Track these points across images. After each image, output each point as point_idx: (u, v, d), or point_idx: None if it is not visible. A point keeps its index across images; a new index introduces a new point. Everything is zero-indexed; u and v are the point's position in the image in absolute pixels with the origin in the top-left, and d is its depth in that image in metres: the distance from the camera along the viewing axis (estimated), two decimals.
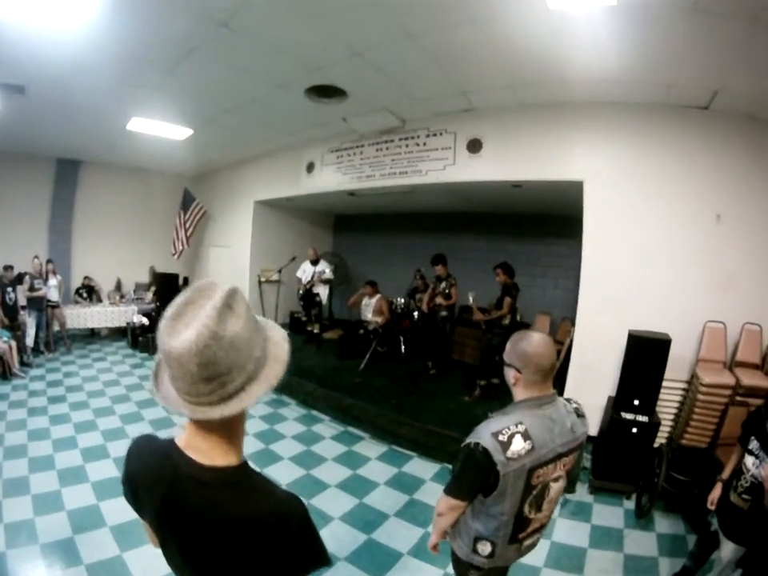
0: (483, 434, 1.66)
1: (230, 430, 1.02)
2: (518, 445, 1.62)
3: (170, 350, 0.90)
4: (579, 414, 1.86)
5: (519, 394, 1.79)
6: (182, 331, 0.89)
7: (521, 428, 1.65)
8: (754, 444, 2.44)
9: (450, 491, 1.78)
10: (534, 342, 1.75)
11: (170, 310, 0.94)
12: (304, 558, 1.03)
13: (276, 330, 1.11)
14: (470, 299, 6.11)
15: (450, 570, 3.09)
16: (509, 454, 1.60)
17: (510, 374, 1.79)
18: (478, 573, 1.88)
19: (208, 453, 1.00)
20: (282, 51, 4.39)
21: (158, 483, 1.04)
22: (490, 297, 6.09)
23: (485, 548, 1.80)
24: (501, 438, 1.62)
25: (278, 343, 1.06)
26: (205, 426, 1.00)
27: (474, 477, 1.69)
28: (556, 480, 1.78)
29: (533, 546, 1.95)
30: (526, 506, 1.74)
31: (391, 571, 3.19)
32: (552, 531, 3.63)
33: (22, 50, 4.45)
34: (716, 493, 2.69)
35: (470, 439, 1.69)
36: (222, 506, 0.98)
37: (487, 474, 1.63)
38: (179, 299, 0.95)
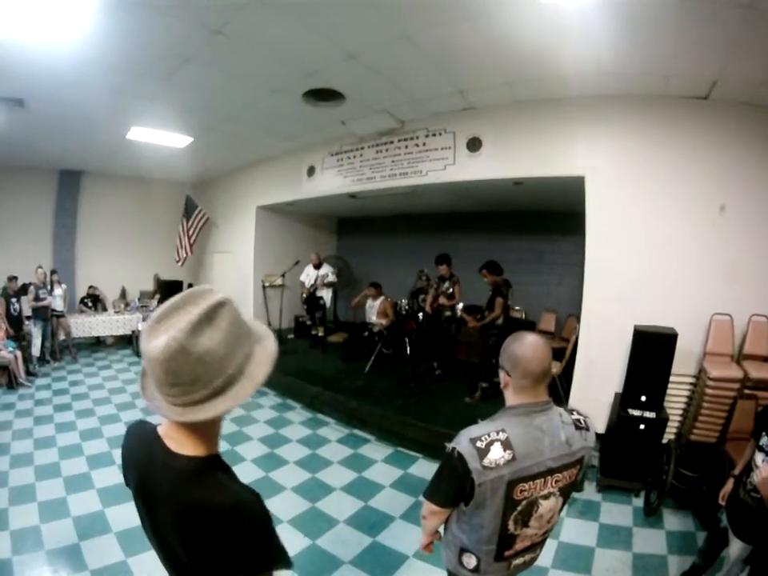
0: (462, 440, 1.57)
1: (200, 427, 1.06)
2: (497, 453, 1.51)
3: (145, 351, 0.97)
4: (579, 427, 1.68)
5: (509, 398, 1.68)
6: (159, 336, 0.95)
7: (501, 436, 1.54)
8: (764, 440, 2.40)
9: (428, 495, 1.72)
10: (525, 344, 1.63)
11: (156, 312, 0.99)
12: (260, 555, 1.05)
13: (265, 346, 1.13)
14: (458, 312, 6.11)
15: None
16: (485, 462, 1.50)
17: (501, 377, 1.70)
18: None
19: (180, 442, 1.07)
20: (277, 56, 4.39)
21: (138, 464, 1.15)
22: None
23: (470, 561, 1.71)
24: (479, 444, 1.53)
25: (260, 363, 1.08)
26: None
27: (449, 483, 1.61)
28: (546, 497, 1.64)
29: (525, 565, 1.82)
30: (510, 522, 1.61)
31: (396, 574, 3.17)
32: (560, 531, 3.60)
33: (19, 64, 4.48)
34: (727, 488, 2.65)
35: (451, 444, 1.61)
36: (184, 493, 1.03)
37: (463, 482, 1.54)
38: (169, 302, 1.00)
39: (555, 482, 1.63)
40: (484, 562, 1.69)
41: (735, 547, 2.50)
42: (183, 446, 1.07)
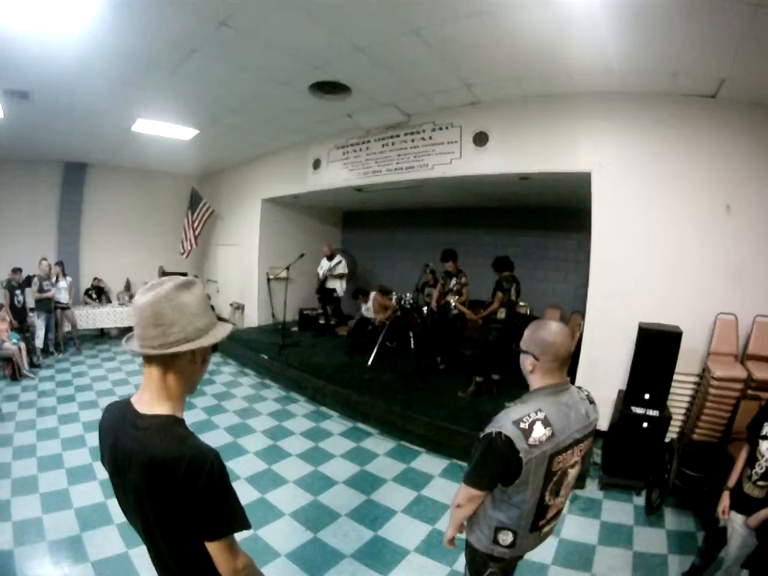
0: (504, 423, 1.67)
1: (167, 384, 1.28)
2: (539, 431, 1.64)
3: (137, 303, 1.23)
4: (591, 401, 1.91)
5: (536, 381, 1.82)
6: (148, 294, 1.23)
7: (540, 415, 1.67)
8: (767, 429, 2.41)
9: (470, 481, 1.78)
10: (553, 330, 1.79)
11: (147, 285, 1.27)
12: (218, 513, 1.19)
13: (226, 326, 1.39)
14: (452, 303, 6.09)
15: (456, 567, 3.09)
16: (531, 441, 1.63)
17: (527, 362, 1.83)
18: (497, 565, 1.88)
19: (148, 403, 1.26)
20: (283, 48, 4.37)
21: (110, 431, 1.32)
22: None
23: (506, 538, 1.80)
24: (522, 425, 1.64)
25: (222, 330, 1.35)
26: (149, 379, 1.28)
27: (495, 465, 1.69)
28: (573, 466, 1.82)
29: (551, 532, 1.98)
30: (547, 494, 1.76)
31: (397, 568, 3.17)
32: (561, 528, 3.60)
33: (24, 56, 4.50)
34: (725, 502, 2.61)
35: (491, 428, 1.69)
36: (149, 446, 1.18)
37: (509, 462, 1.64)
38: (154, 280, 1.28)
39: (579, 451, 1.83)
40: (520, 536, 1.81)
41: (733, 547, 2.50)
42: (151, 406, 1.25)
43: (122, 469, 1.24)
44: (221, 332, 1.34)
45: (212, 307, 1.39)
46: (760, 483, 2.40)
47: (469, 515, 1.88)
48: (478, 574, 1.93)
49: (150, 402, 1.26)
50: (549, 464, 1.69)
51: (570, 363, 1.84)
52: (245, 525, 1.24)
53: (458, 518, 1.91)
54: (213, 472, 1.16)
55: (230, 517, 1.22)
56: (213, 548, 1.22)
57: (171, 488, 1.14)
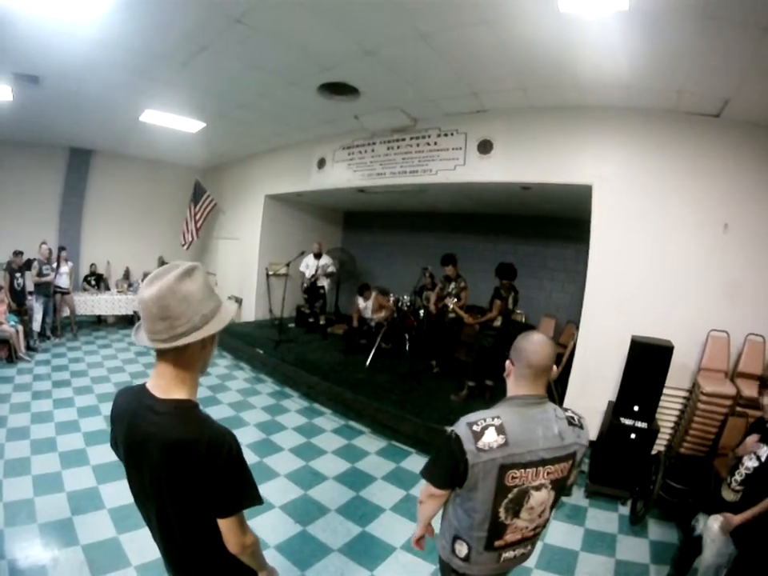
0: (460, 423, 1.69)
1: (181, 372, 1.33)
2: (490, 437, 1.61)
3: (142, 298, 1.25)
4: (572, 423, 1.76)
5: (510, 388, 1.80)
6: (153, 286, 1.24)
7: (496, 421, 1.65)
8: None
9: (424, 474, 1.81)
10: (531, 339, 1.76)
11: (149, 276, 1.29)
12: (235, 489, 1.28)
13: (231, 304, 1.48)
14: (450, 306, 6.13)
15: None
16: (479, 444, 1.60)
17: (506, 365, 1.82)
18: None
19: (164, 388, 1.32)
20: (294, 48, 4.43)
21: (126, 415, 1.36)
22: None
23: (461, 548, 1.79)
24: (474, 428, 1.64)
25: (228, 311, 1.40)
26: (163, 368, 1.32)
27: (444, 463, 1.71)
28: (537, 488, 1.70)
29: (516, 561, 1.87)
30: (501, 510, 1.69)
31: (383, 564, 3.22)
32: (546, 533, 3.63)
33: (37, 42, 4.53)
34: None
35: (450, 427, 1.72)
36: (169, 430, 1.25)
37: (457, 462, 1.63)
38: (156, 270, 1.29)
39: (547, 474, 1.70)
40: (474, 551, 1.76)
41: (708, 554, 2.55)
42: (168, 391, 1.31)
43: (139, 451, 1.31)
44: (226, 315, 1.38)
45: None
46: (737, 488, 2.47)
47: (434, 512, 1.89)
48: None
49: (167, 387, 1.31)
50: (500, 475, 1.63)
51: (547, 378, 1.76)
52: (258, 500, 1.33)
53: (422, 516, 1.93)
54: (231, 451, 1.26)
55: (246, 492, 1.31)
56: (225, 525, 1.31)
57: (192, 468, 1.23)
